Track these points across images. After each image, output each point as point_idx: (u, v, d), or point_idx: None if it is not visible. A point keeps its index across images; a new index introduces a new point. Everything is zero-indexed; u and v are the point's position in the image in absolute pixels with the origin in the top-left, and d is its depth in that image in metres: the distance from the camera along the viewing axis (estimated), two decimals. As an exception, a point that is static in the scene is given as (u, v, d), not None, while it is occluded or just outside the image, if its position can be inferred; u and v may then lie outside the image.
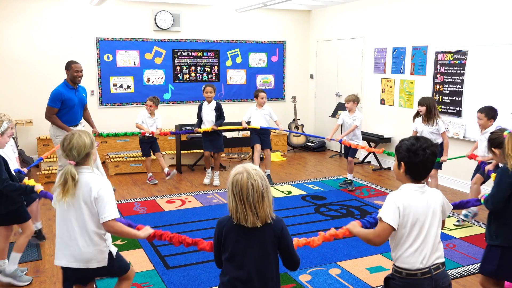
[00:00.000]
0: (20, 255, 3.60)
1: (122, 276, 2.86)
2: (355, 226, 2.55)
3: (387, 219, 2.27)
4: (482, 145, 4.85)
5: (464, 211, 4.98)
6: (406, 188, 2.33)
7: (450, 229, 4.87)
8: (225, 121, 6.65)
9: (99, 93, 8.14)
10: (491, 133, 3.14)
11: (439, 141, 5.38)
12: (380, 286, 3.67)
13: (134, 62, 8.30)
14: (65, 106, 5.40)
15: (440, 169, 5.55)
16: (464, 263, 4.07)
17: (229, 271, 2.19)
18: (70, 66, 5.48)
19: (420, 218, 2.29)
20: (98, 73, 8.08)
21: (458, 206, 3.16)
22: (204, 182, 6.66)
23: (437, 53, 6.64)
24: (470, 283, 3.75)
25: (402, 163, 2.32)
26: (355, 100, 6.28)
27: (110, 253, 2.70)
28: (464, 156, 5.27)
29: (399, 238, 2.32)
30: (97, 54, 8.05)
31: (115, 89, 8.26)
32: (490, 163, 4.56)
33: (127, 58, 8.24)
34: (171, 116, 8.48)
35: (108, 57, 8.13)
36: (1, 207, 3.46)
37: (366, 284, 3.70)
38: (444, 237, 4.66)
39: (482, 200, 3.08)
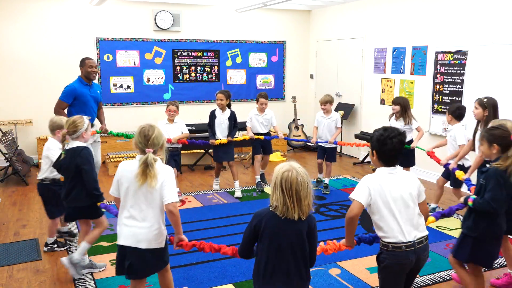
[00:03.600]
0: (89, 246, 3.76)
1: (163, 269, 2.99)
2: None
3: (358, 198, 2.54)
4: (449, 144, 5.02)
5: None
6: (379, 171, 2.62)
7: (450, 229, 4.87)
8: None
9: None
10: (493, 127, 3.06)
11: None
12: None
13: (134, 62, 8.31)
14: (78, 102, 5.31)
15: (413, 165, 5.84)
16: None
17: (267, 258, 2.29)
18: (84, 62, 5.41)
19: (393, 197, 2.54)
20: (98, 73, 8.08)
21: (446, 215, 3.36)
22: (214, 188, 6.37)
23: (437, 53, 6.63)
24: (470, 283, 3.74)
25: (374, 151, 2.62)
26: (332, 101, 6.20)
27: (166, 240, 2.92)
28: (424, 150, 5.58)
29: (378, 215, 2.56)
30: (97, 54, 8.05)
31: (115, 89, 8.27)
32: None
33: (127, 58, 8.24)
34: (171, 116, 8.47)
35: (108, 57, 8.13)
36: (82, 200, 3.67)
37: (366, 284, 3.70)
38: (444, 237, 4.67)
39: (470, 203, 3.09)
